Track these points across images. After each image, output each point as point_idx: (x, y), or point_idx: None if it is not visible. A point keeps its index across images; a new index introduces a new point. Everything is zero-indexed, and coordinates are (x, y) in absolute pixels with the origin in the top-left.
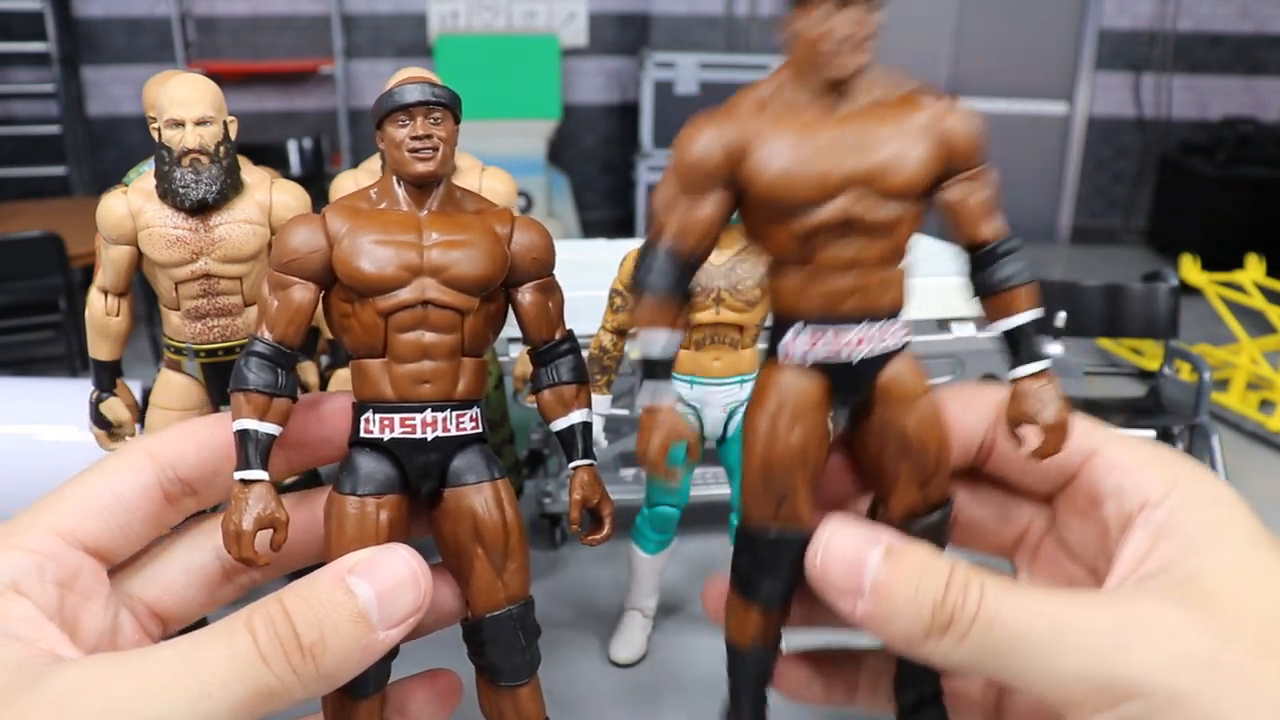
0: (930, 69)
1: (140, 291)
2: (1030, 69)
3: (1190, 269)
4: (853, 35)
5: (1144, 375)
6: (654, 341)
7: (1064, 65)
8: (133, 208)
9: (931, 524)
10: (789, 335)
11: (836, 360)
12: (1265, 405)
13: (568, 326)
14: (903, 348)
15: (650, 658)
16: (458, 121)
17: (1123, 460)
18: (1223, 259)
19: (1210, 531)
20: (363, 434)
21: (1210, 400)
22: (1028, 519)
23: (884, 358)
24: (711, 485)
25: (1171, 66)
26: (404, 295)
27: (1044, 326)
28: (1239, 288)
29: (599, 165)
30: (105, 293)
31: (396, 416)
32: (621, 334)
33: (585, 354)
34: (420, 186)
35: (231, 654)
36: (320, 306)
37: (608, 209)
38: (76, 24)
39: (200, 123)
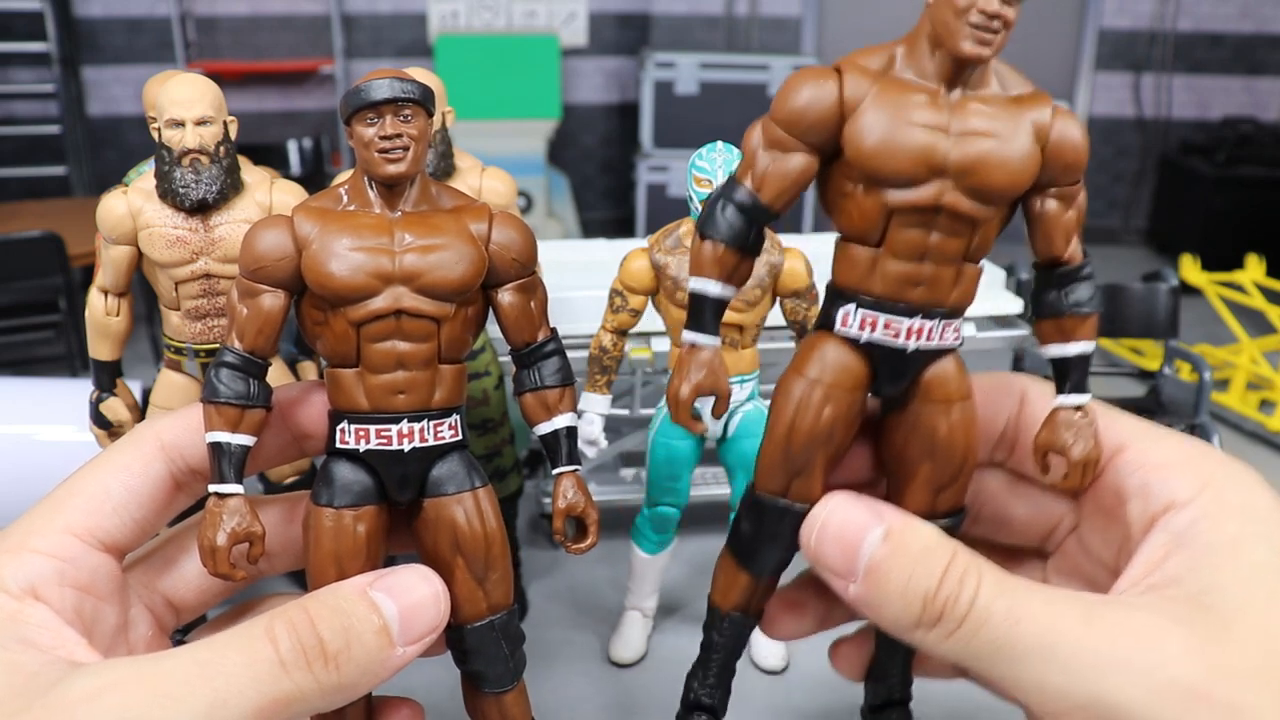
0: None
1: (140, 291)
2: (1030, 69)
3: (1190, 269)
4: (999, 16)
5: (1144, 375)
6: (706, 289)
7: (1064, 65)
8: (133, 208)
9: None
10: (844, 310)
11: (891, 345)
12: (1265, 405)
13: (553, 325)
14: (956, 348)
15: (650, 658)
16: (430, 116)
17: (1152, 457)
18: (1223, 259)
19: (1231, 545)
20: (338, 444)
21: (1210, 400)
22: (1059, 514)
23: (935, 353)
24: (711, 485)
25: (1171, 66)
26: (376, 304)
27: None
28: (1239, 288)
29: (599, 165)
30: (105, 293)
31: (372, 428)
32: (622, 334)
33: (586, 354)
34: (391, 187)
35: (248, 661)
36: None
37: (608, 209)
38: (76, 24)
39: (200, 123)
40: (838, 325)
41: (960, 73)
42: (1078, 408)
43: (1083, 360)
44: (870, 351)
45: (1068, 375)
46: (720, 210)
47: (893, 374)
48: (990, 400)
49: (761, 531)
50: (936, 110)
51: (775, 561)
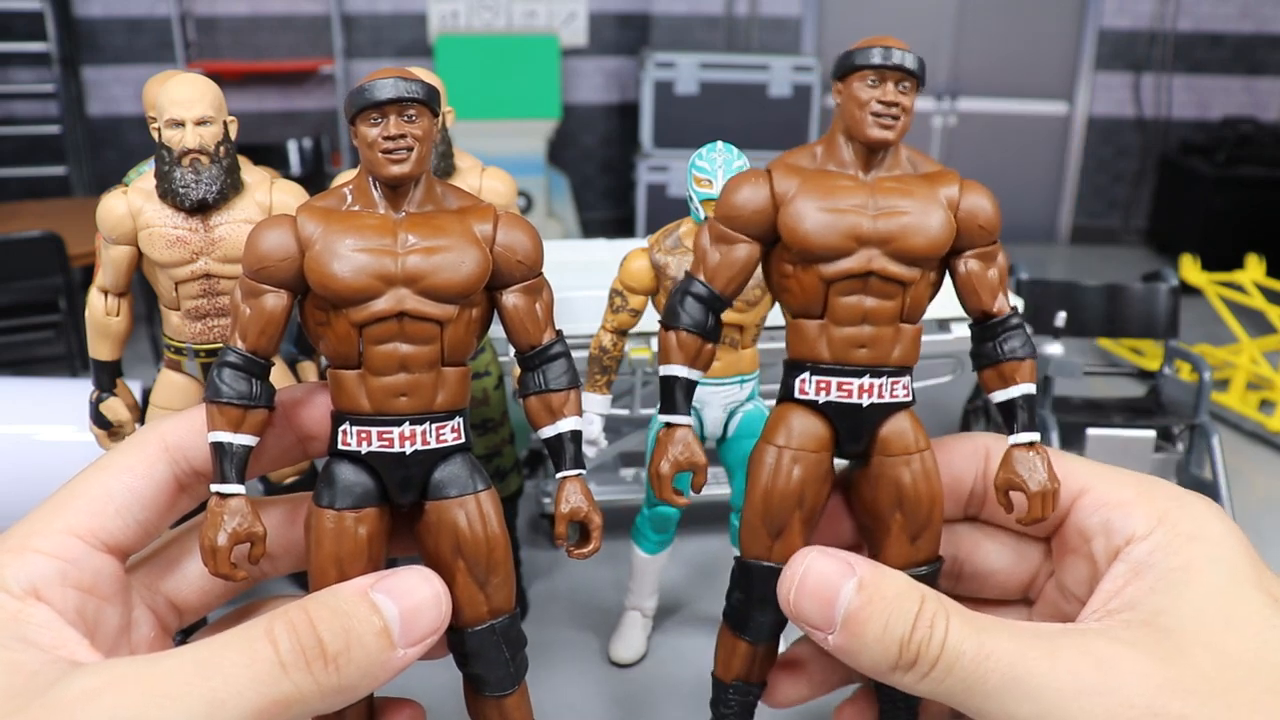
0: (930, 69)
1: (140, 291)
2: (1030, 69)
3: (1190, 269)
4: (896, 103)
5: (1144, 375)
6: (675, 373)
7: (1064, 65)
8: (133, 208)
9: (919, 579)
10: (800, 378)
11: (845, 403)
12: (1265, 405)
13: (558, 327)
14: (908, 404)
15: (650, 658)
16: (436, 116)
17: (1111, 497)
18: (1223, 259)
19: (1184, 570)
20: (340, 446)
21: (1210, 400)
22: (1036, 562)
23: (889, 409)
24: (711, 485)
25: (1171, 66)
26: (379, 306)
27: (1044, 326)
28: (1239, 288)
29: (599, 165)
30: (105, 293)
31: (374, 430)
32: (622, 334)
33: (586, 354)
34: (395, 187)
35: (248, 661)
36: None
37: (608, 209)
38: (76, 24)
39: (200, 123)
40: (796, 392)
41: (872, 157)
42: (1029, 444)
43: (1027, 400)
44: (829, 414)
45: (1015, 416)
46: (680, 303)
47: (851, 433)
48: (956, 460)
49: (752, 595)
50: (856, 192)
51: (769, 624)
